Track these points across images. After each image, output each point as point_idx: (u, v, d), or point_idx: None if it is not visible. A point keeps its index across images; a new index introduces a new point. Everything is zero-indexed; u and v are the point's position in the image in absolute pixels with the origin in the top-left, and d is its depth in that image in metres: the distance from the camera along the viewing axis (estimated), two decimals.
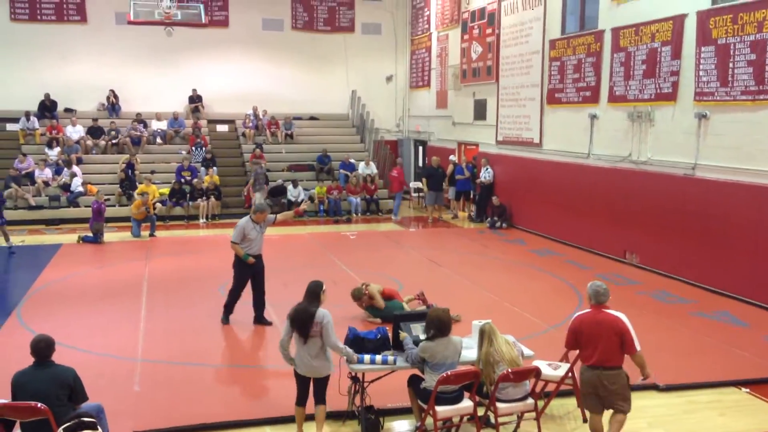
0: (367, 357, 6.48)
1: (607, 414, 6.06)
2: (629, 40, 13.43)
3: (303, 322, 6.24)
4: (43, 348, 5.57)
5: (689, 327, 9.77)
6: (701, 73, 11.68)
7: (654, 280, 12.33)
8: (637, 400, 7.22)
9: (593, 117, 14.51)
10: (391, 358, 6.50)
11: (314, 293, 6.39)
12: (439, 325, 6.28)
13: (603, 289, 6.03)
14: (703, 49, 11.63)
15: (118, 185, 19.36)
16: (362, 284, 10.19)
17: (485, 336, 6.44)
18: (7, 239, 14.93)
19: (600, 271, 12.74)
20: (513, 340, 6.66)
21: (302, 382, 6.45)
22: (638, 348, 5.86)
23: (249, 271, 9.70)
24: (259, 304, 9.87)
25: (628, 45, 13.45)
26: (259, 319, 9.85)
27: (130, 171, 19.92)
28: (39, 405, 5.34)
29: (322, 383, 6.44)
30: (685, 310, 10.59)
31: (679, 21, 12.14)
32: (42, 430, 5.42)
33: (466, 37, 20.24)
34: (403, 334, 6.66)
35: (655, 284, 12.04)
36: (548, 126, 16.41)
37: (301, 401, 6.48)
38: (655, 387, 7.60)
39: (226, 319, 9.92)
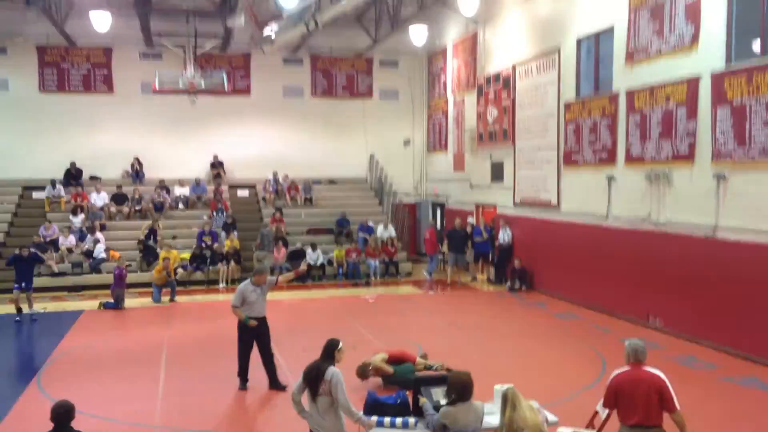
0: (387, 419, 6.38)
1: None
2: (644, 101, 13.56)
3: (312, 378, 6.16)
4: (62, 414, 5.60)
5: (721, 394, 9.49)
6: (718, 133, 11.71)
7: (678, 345, 12.07)
8: None
9: (611, 178, 14.53)
10: (411, 421, 6.39)
11: (329, 350, 6.35)
12: (461, 389, 6.18)
13: (641, 347, 6.02)
14: (718, 109, 11.70)
15: (138, 251, 19.55)
16: (363, 363, 9.85)
17: (508, 401, 6.31)
18: (30, 306, 15.06)
19: (623, 335, 12.43)
20: (537, 405, 6.53)
21: None
22: (677, 406, 5.78)
23: (251, 334, 9.66)
24: (269, 367, 9.79)
25: (643, 106, 13.57)
26: (273, 384, 9.77)
27: (151, 237, 20.15)
28: None
29: None
30: (713, 375, 10.32)
31: (693, 83, 12.26)
32: None
33: (482, 101, 20.57)
34: (422, 400, 6.56)
35: (680, 348, 11.78)
36: (566, 187, 16.45)
37: None
38: None
39: (243, 386, 9.85)
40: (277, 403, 9.38)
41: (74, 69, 22.66)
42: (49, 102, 22.40)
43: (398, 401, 6.74)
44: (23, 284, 14.93)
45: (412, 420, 6.41)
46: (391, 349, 10.42)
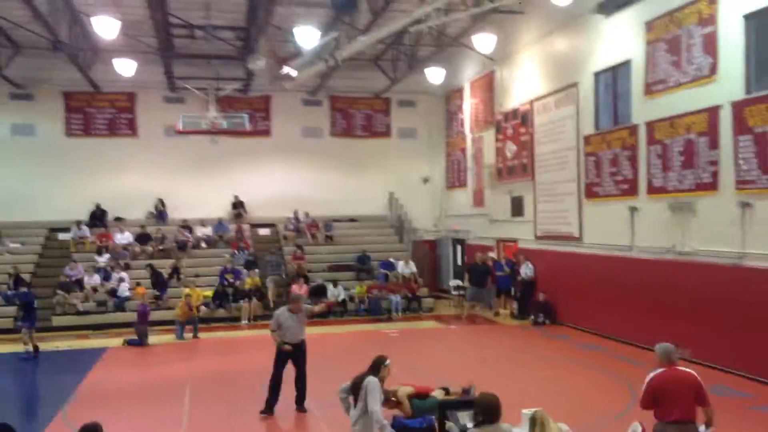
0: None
1: None
2: (664, 132, 13.59)
3: (356, 385, 6.67)
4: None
5: (751, 422, 9.31)
6: (741, 161, 11.69)
7: (708, 374, 11.70)
8: None
9: (633, 209, 14.49)
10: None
11: (375, 365, 6.81)
12: (488, 410, 6.10)
13: (673, 349, 6.57)
14: (740, 138, 11.70)
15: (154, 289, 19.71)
16: (388, 390, 9.91)
17: (537, 423, 6.25)
18: (28, 343, 15.09)
19: (650, 365, 12.29)
20: (567, 428, 6.44)
21: None
22: (710, 402, 6.40)
23: (285, 358, 10.02)
24: (299, 387, 10.10)
25: (664, 138, 13.60)
26: (298, 404, 10.12)
27: (175, 275, 20.34)
28: None
29: None
30: (744, 403, 10.12)
31: (713, 112, 12.29)
32: None
33: (500, 137, 20.71)
34: (449, 424, 6.51)
35: (710, 378, 11.34)
36: (588, 220, 16.41)
37: None
38: None
39: (268, 410, 9.93)
40: (295, 428, 9.34)
41: (99, 113, 23.19)
42: (75, 146, 22.86)
43: (424, 425, 6.69)
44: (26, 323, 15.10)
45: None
46: (418, 384, 10.33)
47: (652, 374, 6.53)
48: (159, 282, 19.71)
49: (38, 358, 14.90)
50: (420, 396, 9.93)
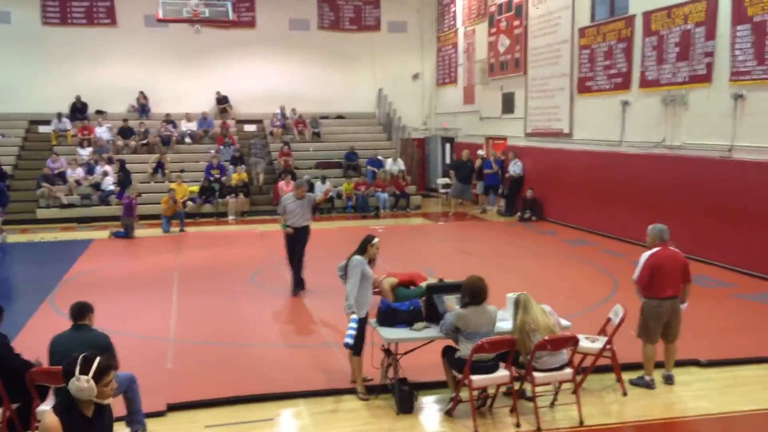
0: (353, 324, 6.55)
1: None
2: (661, 23, 13.18)
3: (346, 264, 6.80)
4: (75, 311, 5.63)
5: (730, 308, 9.53)
6: (737, 52, 11.40)
7: (694, 266, 11.95)
8: (681, 375, 7.07)
9: (625, 104, 14.26)
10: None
11: (362, 243, 6.87)
12: (474, 292, 6.15)
13: (666, 228, 6.89)
14: (738, 28, 11.36)
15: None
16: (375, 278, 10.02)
17: (520, 305, 6.29)
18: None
19: (635, 257, 12.43)
20: (549, 309, 6.50)
21: None
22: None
23: (292, 241, 10.60)
24: (296, 270, 10.64)
25: (660, 28, 13.20)
26: (295, 286, 10.63)
27: (159, 170, 20.13)
28: None
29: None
30: (726, 292, 10.31)
31: (713, 0, 11.88)
32: None
33: (493, 30, 20.10)
34: (444, 305, 6.57)
35: (693, 269, 11.66)
36: (578, 115, 16.18)
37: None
38: (696, 363, 7.38)
39: (294, 290, 10.59)
40: (298, 316, 9.45)
41: (76, 1, 22.18)
42: (52, 35, 21.98)
43: (411, 308, 6.71)
44: None
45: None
46: (401, 273, 10.37)
47: (648, 253, 6.80)
48: (126, 180, 19.16)
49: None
50: (406, 285, 10.03)
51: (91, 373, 3.84)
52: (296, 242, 10.60)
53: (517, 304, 6.36)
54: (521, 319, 6.22)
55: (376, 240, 6.83)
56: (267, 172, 21.14)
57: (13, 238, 15.82)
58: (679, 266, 6.76)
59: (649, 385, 6.75)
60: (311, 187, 19.99)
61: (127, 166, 20.16)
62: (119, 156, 20.45)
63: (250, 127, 23.61)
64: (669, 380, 6.86)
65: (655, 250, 6.79)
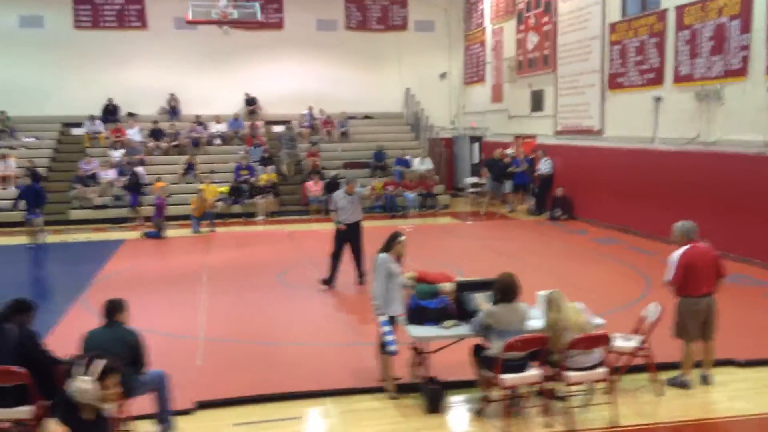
0: (387, 328, 6.46)
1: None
2: (694, 17, 12.92)
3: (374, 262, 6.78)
4: (108, 308, 5.67)
5: (765, 307, 9.27)
6: None
7: (727, 265, 11.73)
8: (717, 375, 6.89)
9: (657, 99, 14.00)
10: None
11: (388, 240, 6.83)
12: (505, 289, 6.07)
13: (693, 225, 6.82)
14: None
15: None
16: None
17: (552, 303, 6.18)
18: (35, 235, 15.36)
19: (667, 255, 12.19)
20: (582, 307, 6.37)
21: None
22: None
23: (342, 237, 10.81)
24: (357, 264, 10.95)
25: (694, 22, 12.94)
26: (359, 278, 10.94)
27: (190, 171, 20.32)
28: None
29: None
30: (760, 291, 10.06)
31: None
32: None
33: (521, 27, 19.91)
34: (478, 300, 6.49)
35: (728, 267, 11.47)
36: (609, 112, 15.94)
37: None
38: (733, 362, 7.19)
39: (328, 282, 10.78)
40: (327, 316, 9.43)
41: (107, 4, 22.48)
42: (84, 38, 22.32)
43: (440, 305, 6.63)
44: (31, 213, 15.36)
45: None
46: (423, 270, 10.28)
47: (679, 252, 6.67)
48: (135, 186, 19.00)
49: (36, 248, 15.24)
50: (425, 282, 9.91)
51: (95, 375, 3.73)
52: (349, 238, 10.84)
53: (549, 302, 6.25)
54: (553, 318, 6.11)
55: (402, 237, 6.77)
56: (296, 164, 21.41)
57: (47, 238, 16.06)
58: (711, 262, 6.69)
59: (685, 385, 6.60)
60: (337, 186, 20.04)
61: (159, 167, 20.38)
62: (131, 159, 20.46)
63: (279, 128, 23.67)
64: (706, 380, 6.69)
65: (686, 248, 6.67)
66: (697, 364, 6.75)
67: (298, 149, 21.82)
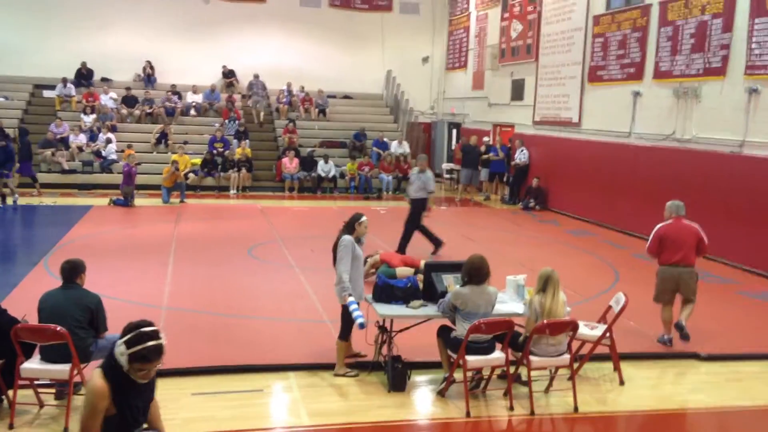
0: (354, 305, 6.20)
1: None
2: (678, 13, 12.95)
3: (335, 245, 6.55)
4: (66, 269, 5.52)
5: (734, 305, 9.40)
6: (754, 45, 11.19)
7: (699, 263, 11.84)
8: (679, 368, 6.95)
9: (636, 94, 14.05)
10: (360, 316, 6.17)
11: (349, 222, 6.60)
12: (473, 271, 6.01)
13: (682, 204, 7.62)
14: (756, 21, 11.14)
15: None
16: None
17: (551, 283, 6.05)
18: (3, 198, 15.19)
19: (637, 250, 12.29)
20: (565, 299, 6.29)
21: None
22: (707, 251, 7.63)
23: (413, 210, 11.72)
24: (428, 236, 11.75)
25: (677, 18, 12.97)
26: (434, 245, 11.72)
27: (162, 141, 19.99)
28: (58, 328, 5.20)
29: (342, 315, 6.43)
30: (730, 290, 10.17)
31: None
32: (60, 354, 5.29)
33: (506, 15, 19.84)
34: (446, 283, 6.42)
35: (700, 266, 11.55)
36: (588, 105, 15.97)
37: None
38: (696, 356, 7.25)
39: (436, 247, 11.62)
40: (294, 291, 9.32)
41: None
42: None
43: (408, 285, 6.57)
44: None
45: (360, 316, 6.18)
46: (388, 252, 10.22)
47: (658, 226, 7.53)
48: (25, 152, 17.37)
49: (4, 208, 15.02)
50: (389, 264, 9.86)
51: (133, 349, 3.42)
52: (411, 212, 11.68)
53: (546, 281, 6.10)
54: (548, 304, 5.99)
55: (364, 218, 6.58)
56: (267, 113, 22.17)
57: (11, 200, 15.68)
58: (689, 237, 7.41)
59: (667, 344, 7.38)
60: (315, 165, 19.89)
61: (131, 135, 20.02)
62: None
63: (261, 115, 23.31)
64: (681, 329, 7.32)
65: (666, 222, 7.52)
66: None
67: (268, 99, 22.71)
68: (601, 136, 15.33)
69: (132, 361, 3.37)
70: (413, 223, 11.71)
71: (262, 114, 22.25)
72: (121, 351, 3.39)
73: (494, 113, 20.80)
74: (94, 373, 3.52)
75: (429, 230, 11.81)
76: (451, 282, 6.47)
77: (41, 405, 5.60)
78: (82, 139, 19.33)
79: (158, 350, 3.40)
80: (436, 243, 11.70)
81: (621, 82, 14.59)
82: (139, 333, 3.40)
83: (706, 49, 12.21)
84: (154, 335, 3.44)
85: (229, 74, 23.26)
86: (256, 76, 22.70)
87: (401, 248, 11.37)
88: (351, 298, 6.30)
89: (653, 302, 7.62)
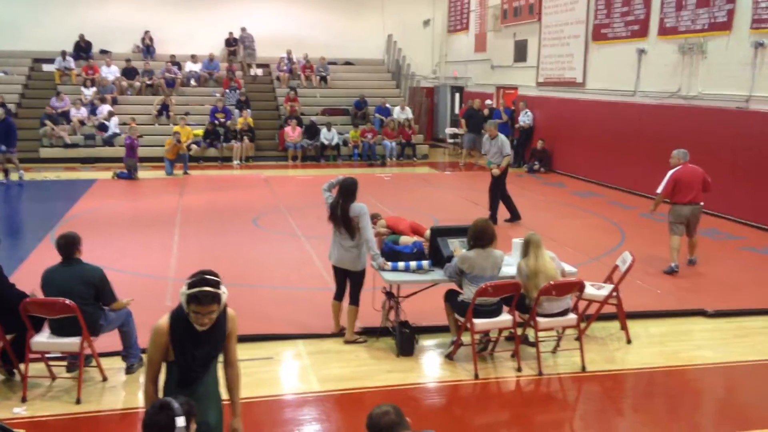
0: (401, 264, 6.26)
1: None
2: None
3: (340, 219, 6.43)
4: (63, 245, 5.47)
5: (740, 261, 9.38)
6: None
7: (704, 219, 11.81)
8: (685, 324, 6.96)
9: (641, 52, 13.86)
10: (425, 263, 6.29)
11: (349, 191, 6.57)
12: (479, 235, 5.99)
13: (687, 151, 8.79)
14: None
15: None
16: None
17: (532, 245, 6.09)
18: (6, 174, 15.15)
19: (644, 210, 12.24)
20: (553, 255, 6.32)
21: (337, 275, 6.56)
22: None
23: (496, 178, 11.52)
24: (507, 205, 11.69)
25: None
26: (512, 215, 11.72)
27: (164, 113, 19.89)
28: (67, 302, 5.22)
29: (355, 281, 6.41)
30: (735, 245, 10.15)
31: None
32: (70, 327, 5.32)
33: None
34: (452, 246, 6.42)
35: (704, 223, 11.50)
36: (592, 64, 15.77)
37: (337, 296, 6.63)
38: (703, 313, 7.26)
39: (514, 218, 11.65)
40: (301, 261, 9.34)
41: None
42: None
43: (414, 250, 6.56)
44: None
45: (425, 263, 6.29)
46: (394, 217, 10.18)
47: (672, 170, 8.58)
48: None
49: (8, 185, 14.98)
50: (394, 231, 9.83)
51: (191, 290, 3.44)
52: (497, 179, 11.44)
53: (527, 244, 6.15)
54: (532, 264, 6.03)
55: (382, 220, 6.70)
56: (267, 81, 22.66)
57: (16, 176, 15.69)
58: (697, 179, 8.52)
59: (674, 271, 8.43)
60: (318, 133, 19.79)
61: (132, 107, 19.91)
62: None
63: (257, 71, 23.18)
64: (692, 263, 8.81)
65: (678, 167, 8.59)
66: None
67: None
68: (605, 96, 15.17)
69: (189, 301, 3.47)
70: (498, 189, 11.58)
71: (254, 67, 22.49)
72: (183, 290, 3.50)
73: (497, 75, 20.58)
74: (162, 317, 3.60)
75: (511, 200, 11.70)
76: (457, 246, 6.46)
77: (53, 377, 5.65)
78: (83, 112, 19.24)
79: (211, 296, 3.47)
80: (514, 214, 11.66)
81: (625, 40, 14.38)
82: (201, 277, 3.51)
83: (712, 3, 12.00)
84: (213, 284, 3.52)
85: (233, 42, 23.00)
86: (243, 29, 22.62)
87: (492, 218, 11.09)
88: (393, 263, 6.31)
89: (660, 253, 8.72)
